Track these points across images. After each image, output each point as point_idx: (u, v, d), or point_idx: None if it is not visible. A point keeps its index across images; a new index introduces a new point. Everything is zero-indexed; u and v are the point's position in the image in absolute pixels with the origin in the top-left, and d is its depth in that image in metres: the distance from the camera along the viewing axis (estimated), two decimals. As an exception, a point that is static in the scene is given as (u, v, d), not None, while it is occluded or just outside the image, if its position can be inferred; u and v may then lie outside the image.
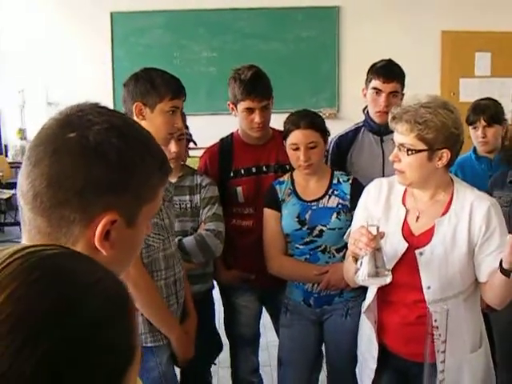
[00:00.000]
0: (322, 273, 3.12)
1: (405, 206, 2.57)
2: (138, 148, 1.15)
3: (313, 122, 3.10)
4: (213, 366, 3.73)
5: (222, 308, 3.68)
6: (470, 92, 8.42)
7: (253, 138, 3.41)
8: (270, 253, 3.22)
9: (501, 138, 3.87)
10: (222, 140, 3.55)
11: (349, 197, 3.12)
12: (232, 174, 3.42)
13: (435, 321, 2.14)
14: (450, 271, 2.45)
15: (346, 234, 2.71)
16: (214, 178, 3.37)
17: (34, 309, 0.71)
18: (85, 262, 0.84)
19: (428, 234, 2.49)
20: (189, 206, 3.29)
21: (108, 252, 1.11)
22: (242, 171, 3.42)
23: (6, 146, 9.52)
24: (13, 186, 7.45)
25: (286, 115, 3.20)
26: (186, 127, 3.62)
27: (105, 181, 1.09)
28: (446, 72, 9.03)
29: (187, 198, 3.30)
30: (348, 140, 3.62)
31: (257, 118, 3.28)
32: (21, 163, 1.14)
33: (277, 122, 3.34)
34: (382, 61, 3.56)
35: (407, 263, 2.47)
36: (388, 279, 2.35)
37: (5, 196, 8.48)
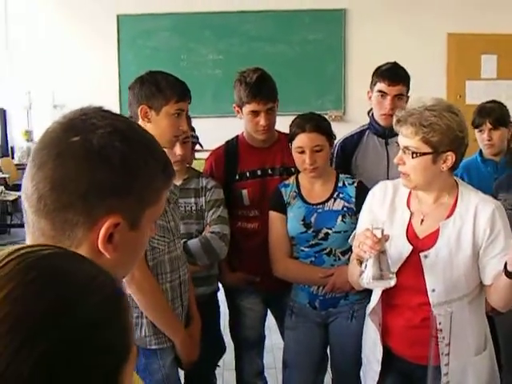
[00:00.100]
0: (328, 275, 3.11)
1: (409, 208, 2.57)
2: (142, 151, 1.16)
3: (318, 125, 3.11)
4: (217, 368, 3.73)
5: (227, 310, 3.69)
6: (476, 94, 8.41)
7: (258, 141, 3.41)
8: (275, 255, 3.23)
9: (506, 140, 3.86)
10: (227, 142, 3.55)
11: (354, 200, 3.12)
12: (237, 177, 3.42)
13: (439, 323, 2.14)
14: (454, 274, 2.45)
15: (351, 236, 2.72)
16: (219, 181, 3.38)
17: (32, 310, 0.71)
18: (81, 262, 0.84)
19: (433, 237, 2.48)
20: (194, 208, 3.30)
21: (111, 255, 1.11)
22: (248, 174, 3.42)
23: (12, 148, 9.55)
24: (19, 187, 7.40)
25: (292, 118, 3.20)
26: (193, 130, 3.63)
27: (108, 184, 1.10)
28: (452, 74, 9.03)
29: (192, 200, 3.30)
30: (353, 143, 3.61)
31: (262, 120, 3.28)
32: (27, 165, 1.15)
33: (282, 124, 3.34)
34: (387, 63, 3.56)
35: (412, 266, 2.47)
36: (392, 282, 2.35)
37: (11, 198, 8.49)
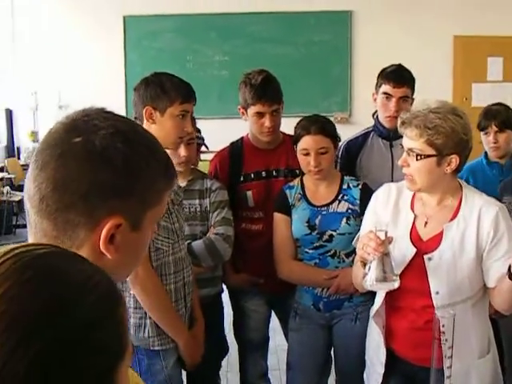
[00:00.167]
0: (332, 277, 3.11)
1: (413, 211, 2.56)
2: (143, 153, 1.16)
3: (323, 127, 3.10)
4: (221, 369, 3.73)
5: (232, 312, 3.69)
6: (482, 97, 8.41)
7: (263, 143, 3.41)
8: (279, 257, 3.22)
9: (512, 143, 3.86)
10: (232, 144, 3.55)
11: (358, 202, 3.12)
12: (242, 178, 3.42)
13: (442, 326, 2.13)
14: (458, 276, 2.44)
15: (355, 238, 2.72)
16: (223, 182, 3.38)
17: (27, 309, 0.72)
18: (77, 261, 0.85)
19: (436, 239, 2.48)
20: (198, 209, 3.30)
21: (113, 256, 1.11)
22: (252, 175, 3.42)
23: (18, 149, 9.58)
24: (25, 188, 7.46)
25: (297, 119, 3.20)
26: (199, 131, 3.63)
27: (110, 185, 1.10)
28: (458, 77, 9.02)
29: (197, 201, 3.30)
30: (357, 145, 3.61)
31: (267, 122, 3.28)
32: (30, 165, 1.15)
33: (287, 126, 3.34)
34: (392, 65, 3.56)
35: (415, 268, 2.47)
36: (396, 284, 2.34)
37: (17, 198, 8.52)
